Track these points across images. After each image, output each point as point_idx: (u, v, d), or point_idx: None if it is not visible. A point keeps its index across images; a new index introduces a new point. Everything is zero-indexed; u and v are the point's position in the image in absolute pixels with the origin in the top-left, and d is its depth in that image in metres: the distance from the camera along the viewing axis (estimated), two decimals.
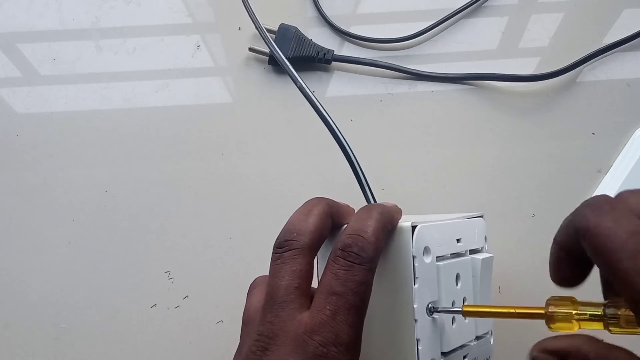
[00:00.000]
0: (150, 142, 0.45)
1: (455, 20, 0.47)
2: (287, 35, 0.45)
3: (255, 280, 0.31)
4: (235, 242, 0.42)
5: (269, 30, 0.46)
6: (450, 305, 0.30)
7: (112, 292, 0.42)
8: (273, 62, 0.46)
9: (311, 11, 0.48)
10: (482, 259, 0.33)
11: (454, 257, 0.32)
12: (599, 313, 0.24)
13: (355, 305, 0.25)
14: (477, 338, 0.33)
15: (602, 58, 0.45)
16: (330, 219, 0.29)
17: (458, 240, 0.32)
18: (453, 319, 0.30)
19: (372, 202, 0.36)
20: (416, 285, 0.28)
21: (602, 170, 0.43)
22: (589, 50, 0.44)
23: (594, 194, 0.42)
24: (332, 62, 0.45)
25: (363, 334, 0.26)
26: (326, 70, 0.46)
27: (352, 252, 0.26)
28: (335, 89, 0.46)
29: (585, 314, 0.24)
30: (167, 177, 0.44)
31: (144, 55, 0.47)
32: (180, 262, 0.42)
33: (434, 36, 0.47)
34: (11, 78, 0.47)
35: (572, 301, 0.25)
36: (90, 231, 0.43)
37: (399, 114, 0.45)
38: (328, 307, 0.25)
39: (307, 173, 0.42)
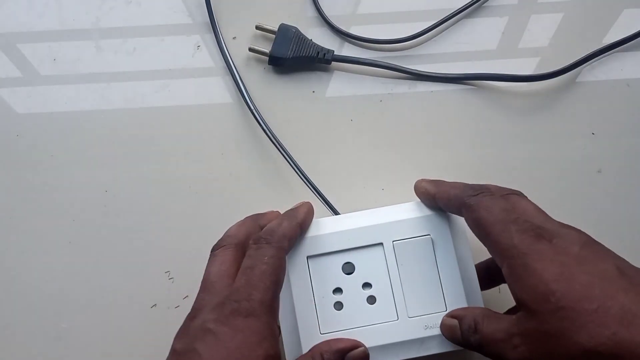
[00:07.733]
0: (150, 142, 0.45)
1: (455, 21, 0.47)
2: (287, 35, 0.45)
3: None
4: None
5: (269, 31, 0.46)
6: (343, 290, 0.35)
7: (112, 292, 0.42)
8: (273, 62, 0.46)
9: (311, 11, 0.48)
10: (395, 243, 0.36)
11: (345, 252, 0.36)
12: None
13: (267, 272, 0.30)
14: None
15: (602, 58, 0.45)
16: (258, 225, 0.36)
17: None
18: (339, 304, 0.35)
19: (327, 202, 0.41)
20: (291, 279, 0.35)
21: (602, 170, 0.43)
22: (589, 50, 0.45)
23: None
24: (332, 62, 0.45)
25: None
26: (326, 70, 0.46)
27: (261, 238, 0.32)
28: (335, 89, 0.46)
29: None
30: (167, 177, 0.44)
31: (144, 56, 0.47)
32: (180, 262, 0.42)
33: (434, 36, 0.47)
34: (11, 78, 0.47)
35: None
36: (90, 231, 0.43)
37: (399, 114, 0.45)
38: (243, 278, 0.30)
39: (307, 173, 0.42)
